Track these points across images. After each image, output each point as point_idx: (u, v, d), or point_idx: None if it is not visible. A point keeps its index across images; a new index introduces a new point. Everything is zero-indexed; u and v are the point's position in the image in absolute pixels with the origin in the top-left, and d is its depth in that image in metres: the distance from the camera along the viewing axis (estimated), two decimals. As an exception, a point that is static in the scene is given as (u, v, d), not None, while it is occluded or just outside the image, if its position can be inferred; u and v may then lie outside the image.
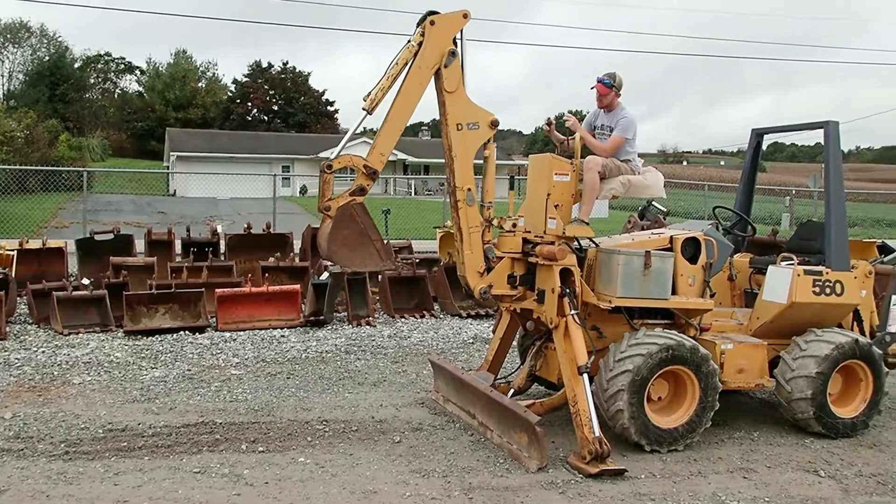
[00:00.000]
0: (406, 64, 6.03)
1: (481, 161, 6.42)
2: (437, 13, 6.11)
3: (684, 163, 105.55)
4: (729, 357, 6.45)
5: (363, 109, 5.99)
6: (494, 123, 6.23)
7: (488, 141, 6.26)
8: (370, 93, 5.95)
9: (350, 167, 6.05)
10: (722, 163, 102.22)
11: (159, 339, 9.76)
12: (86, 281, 10.69)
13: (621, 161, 6.83)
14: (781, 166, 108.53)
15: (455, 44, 6.12)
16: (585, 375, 5.88)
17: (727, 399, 6.60)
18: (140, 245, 12.98)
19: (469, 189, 6.20)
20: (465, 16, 6.15)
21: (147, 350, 9.18)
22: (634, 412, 5.90)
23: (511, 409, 5.90)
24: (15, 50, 77.76)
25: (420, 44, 6.02)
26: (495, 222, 6.45)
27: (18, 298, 11.05)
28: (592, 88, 7.00)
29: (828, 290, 6.66)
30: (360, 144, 59.92)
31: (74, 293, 10.22)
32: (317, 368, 8.59)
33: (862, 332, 7.05)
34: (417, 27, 6.09)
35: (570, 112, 8.04)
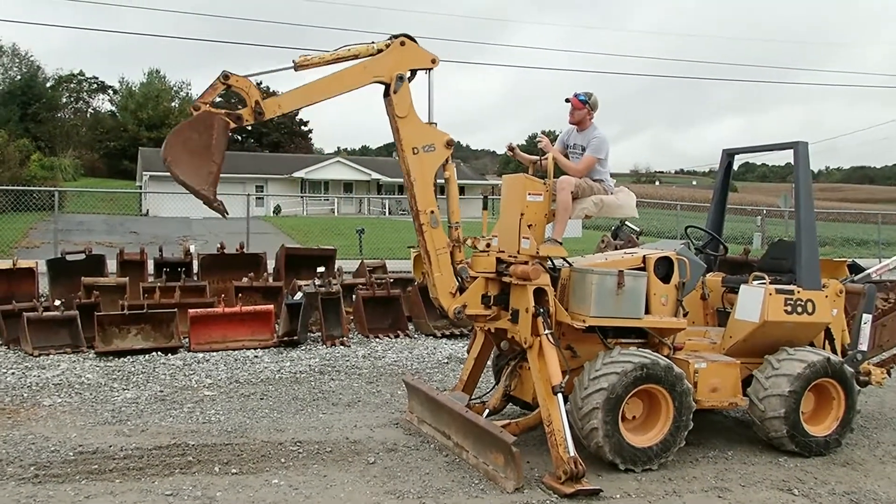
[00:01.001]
0: (356, 57, 6.01)
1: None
2: (414, 40, 6.14)
3: (657, 182, 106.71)
4: (703, 376, 6.49)
5: (293, 62, 5.84)
6: (450, 143, 6.23)
7: (446, 161, 6.25)
8: (308, 55, 5.88)
9: (245, 93, 5.72)
10: (694, 182, 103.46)
11: (131, 360, 9.64)
12: (57, 302, 10.55)
13: (594, 181, 6.88)
14: (752, 186, 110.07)
15: (408, 74, 6.09)
16: (560, 395, 5.89)
17: (701, 418, 6.63)
18: (112, 265, 12.83)
19: (432, 211, 6.19)
20: (434, 61, 6.16)
21: (119, 371, 9.06)
22: (609, 430, 5.91)
23: (487, 430, 5.89)
24: (-14, 70, 77.05)
25: (380, 51, 6.03)
26: (469, 242, 6.45)
27: (-14, 320, 10.86)
28: (567, 101, 7.06)
29: (799, 309, 6.73)
30: (334, 164, 60.09)
31: (45, 314, 10.08)
32: (291, 389, 8.52)
33: (834, 351, 7.12)
34: (388, 38, 6.11)
35: (542, 132, 8.09)
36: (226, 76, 5.64)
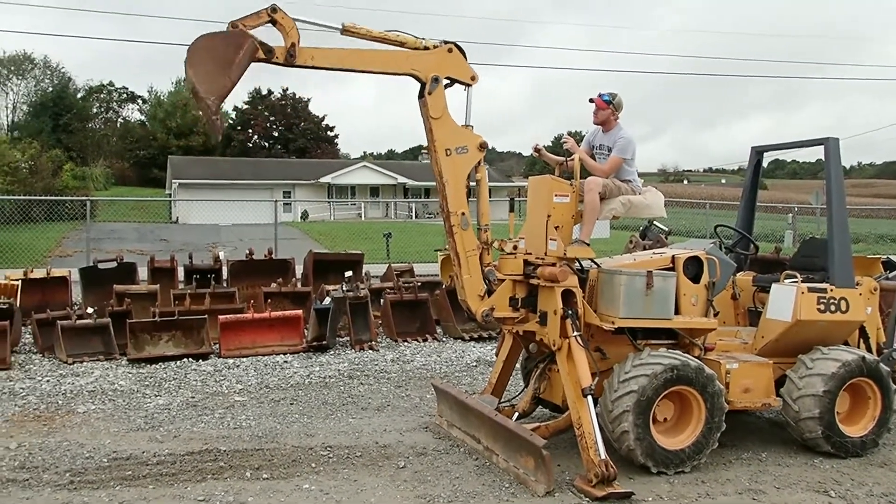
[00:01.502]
0: (401, 45, 6.03)
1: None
2: (463, 50, 6.15)
3: (685, 181, 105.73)
4: (734, 377, 6.41)
5: (341, 24, 5.84)
6: (483, 146, 6.22)
7: (478, 164, 6.25)
8: (357, 24, 5.88)
9: (286, 32, 5.64)
10: (723, 181, 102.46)
11: (163, 366, 9.74)
12: (90, 310, 10.68)
13: (621, 181, 6.84)
14: (782, 183, 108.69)
15: (445, 81, 6.09)
16: (590, 397, 5.84)
17: (734, 419, 6.54)
18: (143, 273, 12.99)
19: (463, 213, 6.18)
20: (473, 78, 6.18)
21: (151, 378, 9.16)
22: (640, 433, 5.85)
23: (516, 433, 5.86)
24: (19, 82, 78.66)
25: (426, 48, 6.06)
26: (496, 244, 6.44)
27: (23, 328, 11.05)
28: (591, 101, 7.03)
29: (832, 308, 6.63)
30: (360, 168, 60.33)
31: (78, 322, 10.21)
32: (320, 394, 8.56)
33: (868, 350, 7.01)
34: (440, 41, 6.12)
35: (568, 133, 8.06)
36: (273, 9, 5.61)
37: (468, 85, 6.21)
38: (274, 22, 5.64)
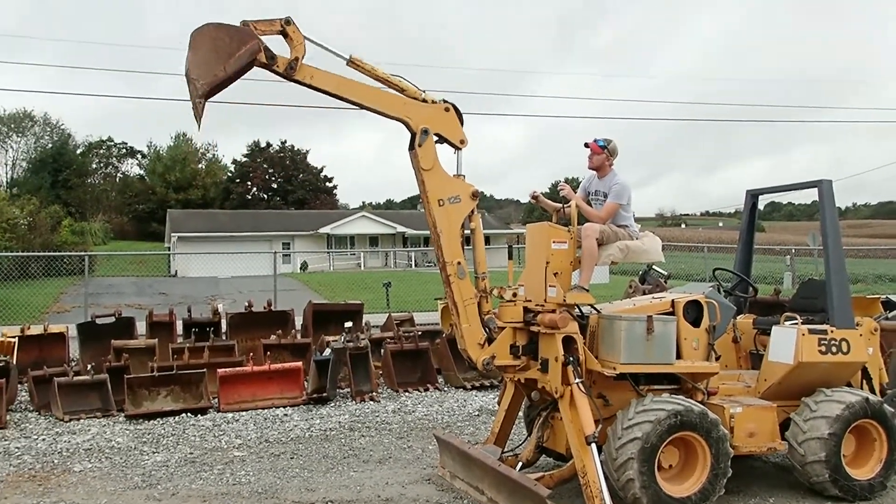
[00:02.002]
0: (401, 91, 6.11)
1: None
2: (460, 113, 6.23)
3: (683, 225, 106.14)
4: (739, 421, 6.35)
5: (349, 56, 5.95)
6: (475, 195, 6.25)
7: (472, 212, 6.27)
8: (364, 59, 5.98)
9: (293, 46, 5.75)
10: (720, 224, 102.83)
11: (161, 422, 9.64)
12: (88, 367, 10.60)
13: (618, 227, 6.86)
14: (780, 225, 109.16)
15: (432, 134, 6.13)
16: (594, 445, 5.78)
17: (740, 464, 6.47)
18: (142, 327, 12.94)
19: (459, 262, 6.18)
20: (462, 142, 6.24)
21: (149, 434, 9.06)
22: (645, 481, 5.77)
23: (520, 483, 5.78)
24: (19, 139, 79.25)
25: (424, 101, 6.12)
26: (495, 292, 6.43)
27: (19, 385, 10.96)
28: (586, 146, 7.08)
29: (834, 349, 6.60)
30: (359, 219, 60.57)
31: (75, 378, 10.13)
32: (321, 447, 8.46)
33: (872, 391, 6.96)
34: (440, 98, 6.21)
35: (564, 180, 8.11)
36: (288, 21, 5.72)
37: (457, 148, 6.26)
38: (285, 34, 5.75)
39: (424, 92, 6.17)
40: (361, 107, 6.05)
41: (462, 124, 6.26)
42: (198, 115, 5.64)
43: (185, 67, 5.57)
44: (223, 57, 5.52)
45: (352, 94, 5.97)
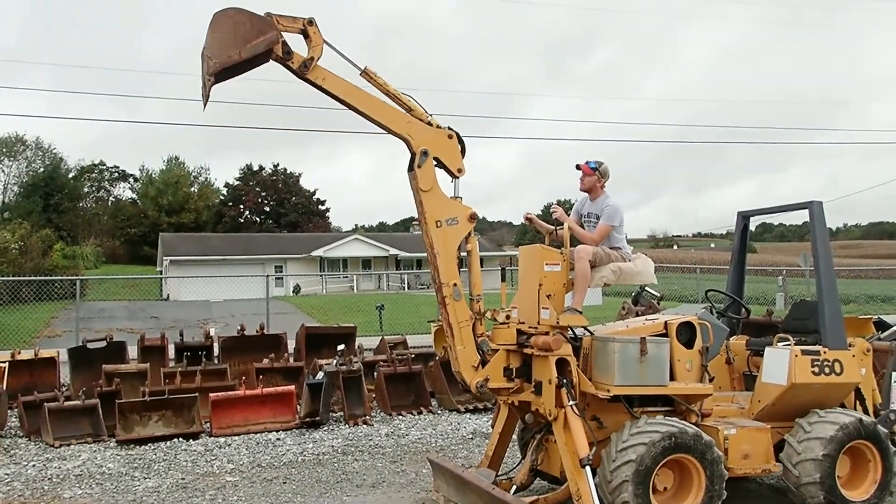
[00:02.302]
0: (409, 110, 6.15)
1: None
2: (463, 143, 6.26)
3: (675, 247, 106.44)
4: (733, 442, 6.34)
5: (364, 67, 6.04)
6: (473, 217, 6.27)
7: (469, 234, 6.28)
8: (378, 73, 6.06)
9: (312, 46, 5.85)
10: (712, 245, 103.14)
11: (152, 447, 9.56)
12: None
13: (611, 248, 6.88)
14: (772, 246, 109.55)
15: (432, 157, 6.16)
16: (588, 468, 5.76)
17: (735, 486, 6.44)
18: (133, 351, 12.87)
19: (455, 284, 6.18)
20: (460, 170, 6.26)
21: (140, 459, 8.98)
22: (641, 503, 5.75)
23: (514, 507, 5.74)
24: (10, 163, 79.16)
25: (429, 124, 6.16)
26: (488, 314, 6.43)
27: (9, 411, 10.87)
28: (578, 168, 7.12)
29: (827, 370, 6.60)
30: (352, 241, 60.60)
31: (66, 403, 10.05)
32: (314, 472, 8.40)
33: (865, 411, 6.96)
34: (444, 125, 6.25)
35: (557, 202, 8.15)
36: (311, 21, 5.83)
37: (454, 176, 6.29)
38: (306, 34, 5.84)
39: (431, 116, 6.21)
40: (366, 117, 6.08)
41: (463, 154, 6.28)
42: (205, 94, 5.71)
43: (206, 43, 5.62)
44: (240, 41, 5.60)
45: (359, 102, 6.03)
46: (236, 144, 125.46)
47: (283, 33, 5.79)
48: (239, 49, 5.59)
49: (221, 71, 5.64)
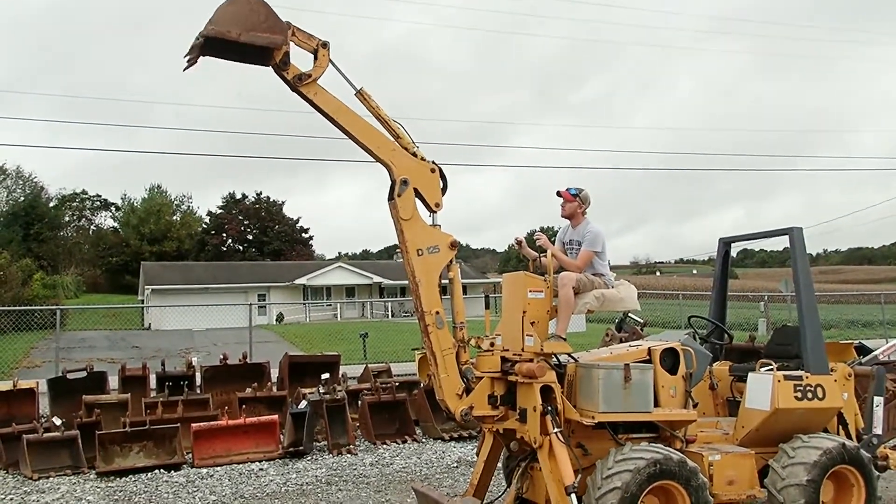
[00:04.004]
0: (396, 137, 6.17)
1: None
2: (445, 178, 6.28)
3: (657, 273, 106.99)
4: (718, 469, 6.34)
5: (360, 88, 6.06)
6: (454, 244, 6.27)
7: (451, 262, 6.29)
8: (372, 96, 6.09)
9: (317, 63, 5.89)
10: (694, 271, 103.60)
11: (133, 479, 9.43)
12: (57, 421, 10.39)
13: (594, 275, 6.91)
14: (753, 272, 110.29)
15: (412, 187, 6.17)
16: (573, 495, 5.74)
17: (720, 513, 6.43)
18: (114, 382, 12.73)
19: (437, 312, 6.17)
20: (438, 205, 6.26)
21: (120, 492, 8.85)
22: (626, 531, 5.72)
23: (500, 536, 5.71)
24: (-9, 192, 78.46)
25: (414, 154, 6.18)
26: (473, 342, 6.42)
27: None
28: (559, 194, 7.16)
29: (809, 395, 6.64)
30: (335, 269, 60.41)
31: (45, 435, 9.91)
32: (297, 502, 8.31)
33: (848, 436, 6.99)
34: (431, 161, 6.26)
35: (540, 229, 8.19)
36: (325, 44, 5.88)
37: (431, 210, 6.29)
38: (315, 54, 5.86)
39: (418, 147, 6.23)
40: (352, 139, 6.09)
41: (444, 191, 6.29)
42: (191, 54, 5.65)
43: (219, 13, 5.58)
44: (245, 25, 5.57)
45: (347, 123, 6.02)
46: (219, 173, 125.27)
47: (292, 44, 5.81)
48: (240, 31, 5.54)
49: (214, 41, 5.56)
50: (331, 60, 5.93)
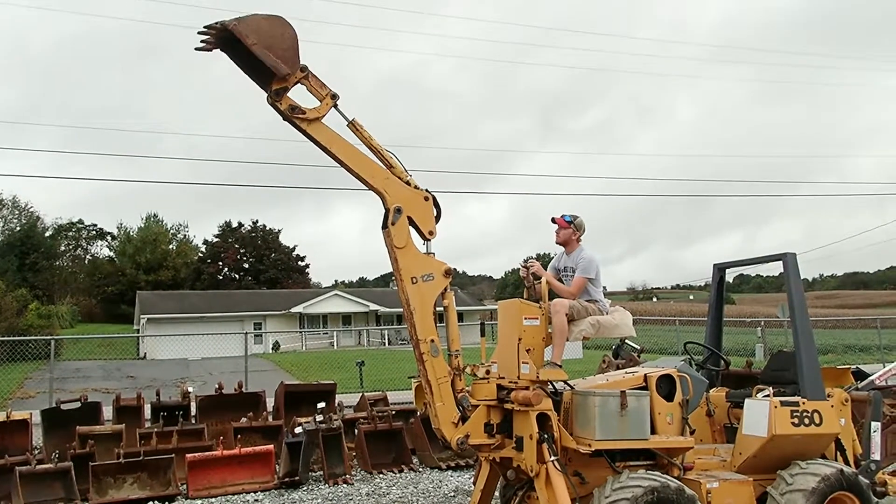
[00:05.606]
0: (389, 167, 6.19)
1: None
2: (439, 207, 6.31)
3: (654, 299, 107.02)
4: (716, 496, 6.30)
5: (352, 119, 6.13)
6: (448, 272, 6.29)
7: (445, 290, 6.29)
8: (364, 127, 6.15)
9: (322, 102, 5.99)
10: (691, 297, 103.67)
11: (127, 511, 9.33)
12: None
13: (587, 301, 6.92)
14: (750, 297, 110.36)
15: (405, 215, 6.22)
16: (571, 525, 5.69)
17: (719, 541, 6.37)
18: (108, 412, 12.63)
19: (432, 340, 6.17)
20: (431, 233, 6.30)
21: (114, 524, 8.75)
22: (624, 561, 5.67)
23: (497, 566, 5.66)
24: (-14, 222, 78.46)
25: (407, 183, 6.20)
26: (468, 370, 6.41)
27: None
28: (553, 221, 7.18)
29: (806, 421, 6.62)
30: (331, 297, 60.30)
31: (38, 467, 9.82)
32: (293, 533, 8.23)
33: (846, 462, 6.96)
34: (421, 186, 6.30)
35: (535, 256, 8.19)
36: (335, 96, 6.00)
37: (425, 238, 6.32)
38: (333, 104, 5.97)
39: (411, 176, 6.26)
40: (345, 167, 6.13)
41: (438, 219, 6.32)
42: (209, 36, 5.70)
43: (253, 18, 5.67)
44: (267, 41, 5.64)
45: (340, 152, 6.07)
46: (215, 202, 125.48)
47: (299, 84, 5.90)
48: (257, 43, 5.62)
49: (231, 37, 5.63)
50: (338, 110, 6.01)
